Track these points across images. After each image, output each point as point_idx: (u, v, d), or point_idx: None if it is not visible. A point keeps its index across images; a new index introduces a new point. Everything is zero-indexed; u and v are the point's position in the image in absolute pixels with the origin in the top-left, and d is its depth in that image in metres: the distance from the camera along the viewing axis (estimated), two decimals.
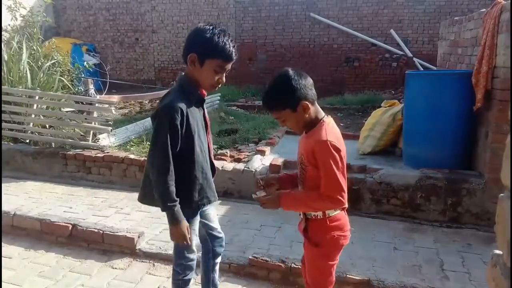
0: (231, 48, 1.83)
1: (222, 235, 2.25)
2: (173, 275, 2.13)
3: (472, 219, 3.59)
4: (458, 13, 9.22)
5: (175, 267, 2.10)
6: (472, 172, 3.78)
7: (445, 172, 3.74)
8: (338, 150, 1.68)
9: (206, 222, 2.16)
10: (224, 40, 1.80)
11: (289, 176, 2.02)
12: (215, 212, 2.26)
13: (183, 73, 1.96)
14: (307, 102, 1.72)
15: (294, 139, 5.74)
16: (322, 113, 1.80)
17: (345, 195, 1.70)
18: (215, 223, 2.22)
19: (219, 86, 1.93)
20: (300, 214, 1.89)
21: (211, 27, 1.82)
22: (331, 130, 1.73)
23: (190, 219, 1.99)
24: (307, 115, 1.74)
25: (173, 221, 1.86)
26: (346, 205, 1.79)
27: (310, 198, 1.75)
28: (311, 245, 1.82)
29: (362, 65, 10.72)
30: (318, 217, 1.78)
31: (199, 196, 1.95)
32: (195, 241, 2.08)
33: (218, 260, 2.28)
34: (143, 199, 2.08)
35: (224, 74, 1.90)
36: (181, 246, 1.99)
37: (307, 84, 1.74)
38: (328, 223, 1.77)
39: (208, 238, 2.20)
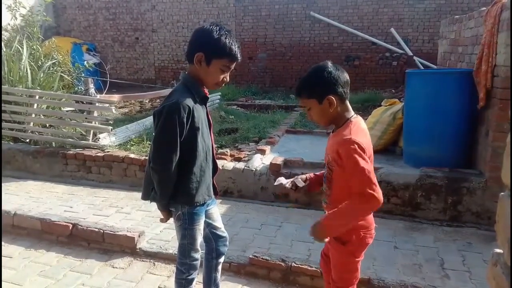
0: (237, 48, 1.89)
1: (226, 234, 2.26)
2: (176, 274, 2.13)
3: (473, 218, 3.59)
4: (459, 12, 9.21)
5: (179, 266, 2.10)
6: (472, 171, 3.77)
7: (445, 170, 3.74)
8: (362, 149, 1.63)
9: (210, 221, 2.16)
10: (231, 41, 1.86)
11: (316, 176, 2.00)
12: (218, 211, 2.27)
13: (186, 72, 1.98)
14: (333, 97, 1.70)
15: (294, 138, 5.76)
16: (351, 113, 1.78)
17: (378, 190, 1.59)
18: (218, 223, 2.22)
19: (223, 85, 1.97)
20: (325, 213, 1.88)
21: (217, 28, 1.86)
22: (357, 129, 1.70)
23: (195, 217, 2.01)
24: (331, 110, 1.72)
25: (161, 210, 2.04)
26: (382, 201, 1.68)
27: (345, 211, 1.64)
28: (338, 243, 1.82)
29: (363, 64, 10.72)
30: None
31: (196, 194, 1.96)
32: (200, 240, 2.08)
33: (221, 260, 2.28)
34: (146, 197, 2.09)
35: (228, 73, 1.95)
36: (187, 245, 2.03)
37: (340, 81, 1.72)
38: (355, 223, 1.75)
39: (212, 237, 2.20)
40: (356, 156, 1.61)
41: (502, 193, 0.80)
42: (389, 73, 10.47)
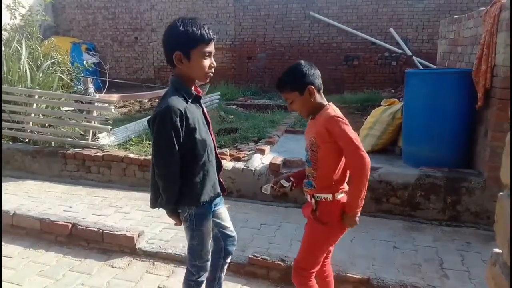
0: (207, 30, 1.86)
1: (234, 234, 2.25)
2: (186, 274, 2.12)
3: (472, 217, 3.59)
4: (458, 12, 9.22)
5: (189, 267, 2.09)
6: (471, 171, 3.78)
7: (444, 170, 3.74)
8: (346, 123, 1.87)
9: (219, 221, 2.15)
10: (198, 27, 1.83)
11: (298, 173, 2.18)
12: (226, 211, 2.24)
13: (172, 75, 1.95)
14: (313, 87, 1.92)
15: (293, 138, 5.76)
16: (325, 101, 2.00)
17: (364, 153, 1.83)
18: (227, 222, 2.21)
19: (213, 71, 1.94)
20: (307, 197, 2.03)
21: (180, 21, 1.85)
22: (335, 110, 1.95)
23: (202, 218, 2.00)
24: (312, 100, 1.93)
25: (170, 215, 2.04)
26: (347, 189, 1.96)
27: (354, 185, 1.86)
28: (317, 223, 1.95)
29: (362, 64, 10.72)
30: (328, 199, 1.94)
31: (202, 193, 1.96)
32: (209, 241, 2.08)
33: (229, 260, 2.27)
34: (155, 204, 2.06)
35: (212, 58, 1.91)
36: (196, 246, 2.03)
37: (316, 74, 1.96)
38: (336, 205, 1.93)
39: (221, 237, 2.18)
40: (344, 126, 1.85)
41: (501, 193, 0.81)
42: (388, 73, 10.47)
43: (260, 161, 4.37)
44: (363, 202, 1.88)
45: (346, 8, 11.03)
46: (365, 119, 5.20)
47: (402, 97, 5.16)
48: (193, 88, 1.96)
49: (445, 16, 8.22)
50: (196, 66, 1.87)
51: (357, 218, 1.90)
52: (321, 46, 11.36)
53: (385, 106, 4.91)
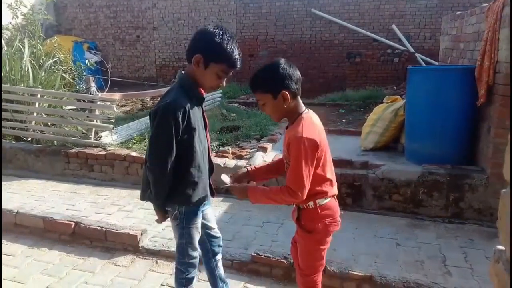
0: (237, 56, 1.86)
1: (219, 235, 2.27)
2: (176, 273, 2.13)
3: (475, 214, 3.58)
4: (460, 8, 9.17)
5: (178, 266, 2.10)
6: (474, 168, 3.76)
7: (447, 167, 3.73)
8: (314, 148, 1.73)
9: (205, 222, 2.17)
10: (232, 48, 1.84)
11: (259, 168, 2.15)
12: (212, 212, 2.28)
13: (183, 72, 1.96)
14: (287, 93, 1.77)
15: None
16: (302, 108, 1.85)
17: (305, 192, 1.74)
18: (213, 223, 2.24)
19: (218, 89, 1.96)
20: (294, 204, 1.97)
21: (221, 32, 1.83)
22: (308, 125, 1.77)
23: (192, 216, 2.01)
24: (285, 106, 1.79)
25: (157, 210, 2.05)
26: (335, 193, 1.91)
27: (272, 192, 1.83)
28: (304, 232, 1.90)
29: (364, 61, 10.68)
30: (310, 206, 1.86)
31: (194, 193, 1.96)
32: (197, 239, 2.09)
33: (219, 257, 2.30)
34: (144, 197, 2.09)
35: (225, 79, 1.93)
36: (185, 243, 2.04)
37: (294, 77, 1.79)
38: (319, 211, 1.85)
39: (206, 238, 2.21)
40: (303, 156, 1.71)
41: (504, 190, 0.80)
42: (391, 70, 10.44)
43: (262, 159, 4.36)
44: (261, 200, 1.89)
45: (348, 5, 11.00)
46: (368, 116, 5.18)
47: (405, 94, 5.15)
48: (199, 90, 1.96)
49: (448, 13, 8.19)
50: (207, 77, 1.88)
51: (243, 198, 1.91)
52: (323, 43, 11.34)
53: (387, 103, 4.89)
